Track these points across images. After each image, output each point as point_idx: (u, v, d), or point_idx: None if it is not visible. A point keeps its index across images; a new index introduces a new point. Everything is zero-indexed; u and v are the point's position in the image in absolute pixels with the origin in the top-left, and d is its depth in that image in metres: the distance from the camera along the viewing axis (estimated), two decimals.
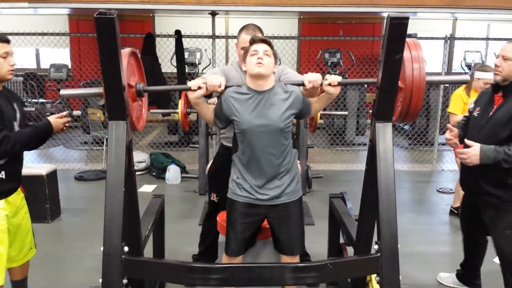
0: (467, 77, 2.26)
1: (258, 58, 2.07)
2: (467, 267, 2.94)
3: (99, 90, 1.93)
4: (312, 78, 2.07)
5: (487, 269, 2.91)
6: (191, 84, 2.04)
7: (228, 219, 2.30)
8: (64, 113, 2.47)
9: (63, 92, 2.03)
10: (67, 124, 2.46)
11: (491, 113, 2.44)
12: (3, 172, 2.26)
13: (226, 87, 2.10)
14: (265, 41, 2.14)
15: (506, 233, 2.42)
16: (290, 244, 2.30)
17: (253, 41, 2.15)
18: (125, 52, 1.94)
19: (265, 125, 2.10)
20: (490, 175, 2.41)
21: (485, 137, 2.40)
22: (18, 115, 2.35)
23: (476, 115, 2.56)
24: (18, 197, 2.41)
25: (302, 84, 2.11)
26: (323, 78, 2.07)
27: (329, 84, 2.04)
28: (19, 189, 2.43)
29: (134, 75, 2.04)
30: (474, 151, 2.35)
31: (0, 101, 2.22)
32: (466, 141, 2.43)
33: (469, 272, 2.92)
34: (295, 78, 2.44)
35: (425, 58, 1.97)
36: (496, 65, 2.42)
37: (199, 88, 2.03)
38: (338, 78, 2.03)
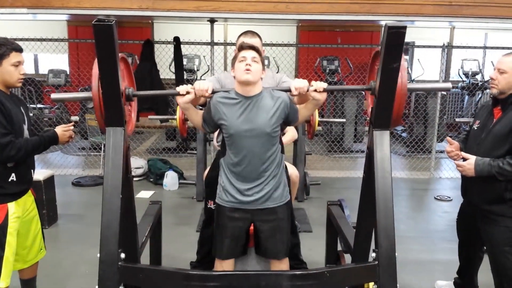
0: (448, 85, 2.16)
1: (246, 64, 2.10)
2: (463, 275, 2.93)
3: (89, 94, 1.96)
4: (298, 84, 2.09)
5: (485, 280, 2.91)
6: (180, 89, 2.07)
7: (216, 223, 2.32)
8: (71, 124, 2.50)
9: (54, 96, 2.07)
10: (72, 137, 2.51)
11: (491, 126, 2.44)
12: (13, 175, 2.29)
13: (214, 92, 2.14)
14: (253, 47, 2.16)
15: (505, 249, 2.40)
16: (276, 249, 2.31)
17: (241, 48, 2.17)
18: None
19: (253, 129, 2.12)
20: (488, 189, 2.41)
21: (484, 151, 2.41)
22: (26, 118, 2.39)
23: (475, 128, 2.56)
24: (28, 199, 2.45)
25: (289, 90, 2.13)
26: (310, 85, 2.09)
27: (315, 90, 2.06)
28: (30, 191, 2.45)
29: (123, 80, 2.06)
30: (469, 164, 2.38)
31: (9, 105, 2.25)
32: (463, 153, 2.47)
33: (466, 281, 2.92)
34: None
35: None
36: (491, 78, 2.42)
37: (188, 92, 2.07)
38: (324, 85, 2.06)
